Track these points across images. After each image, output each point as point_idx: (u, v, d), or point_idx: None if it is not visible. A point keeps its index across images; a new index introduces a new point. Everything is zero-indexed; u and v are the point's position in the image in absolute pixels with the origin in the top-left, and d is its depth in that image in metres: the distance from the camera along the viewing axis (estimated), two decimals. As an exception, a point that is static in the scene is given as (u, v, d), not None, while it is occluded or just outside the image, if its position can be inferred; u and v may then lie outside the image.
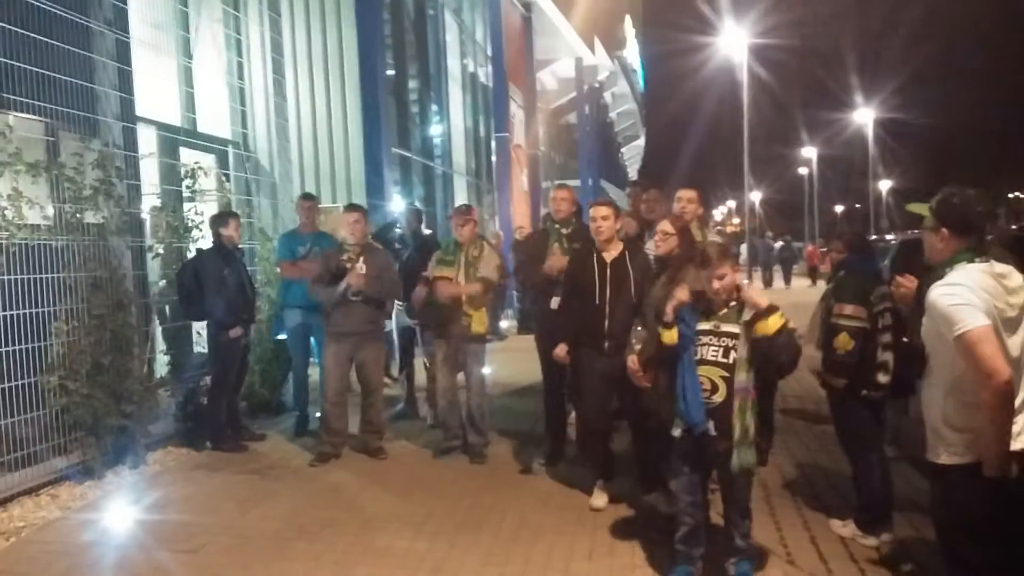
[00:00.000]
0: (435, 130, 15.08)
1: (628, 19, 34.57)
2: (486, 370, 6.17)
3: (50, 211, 5.44)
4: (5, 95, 5.14)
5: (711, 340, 3.66)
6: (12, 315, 5.12)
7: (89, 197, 5.66)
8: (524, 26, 21.11)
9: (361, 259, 6.02)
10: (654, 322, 4.00)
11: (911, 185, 50.71)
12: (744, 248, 27.00)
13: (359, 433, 6.31)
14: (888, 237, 15.86)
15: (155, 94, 7.10)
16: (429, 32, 14.78)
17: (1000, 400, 2.68)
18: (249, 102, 8.51)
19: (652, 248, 5.24)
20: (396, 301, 6.87)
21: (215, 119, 8.15)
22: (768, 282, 26.23)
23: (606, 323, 4.79)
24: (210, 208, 7.21)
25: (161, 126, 7.17)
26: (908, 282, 3.40)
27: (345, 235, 6.17)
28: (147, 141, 6.82)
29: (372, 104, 11.12)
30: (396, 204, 11.11)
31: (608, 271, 4.83)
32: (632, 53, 36.27)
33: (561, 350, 5.03)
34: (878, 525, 4.28)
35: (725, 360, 3.62)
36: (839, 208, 61.86)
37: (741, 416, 3.57)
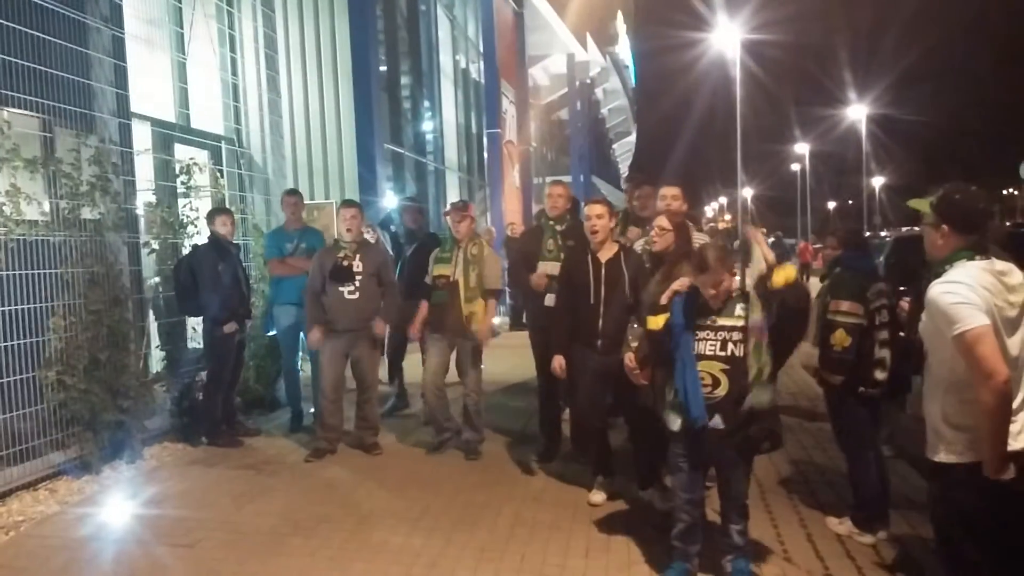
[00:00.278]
0: (427, 126, 15.09)
1: (620, 15, 34.61)
2: (481, 366, 6.19)
3: (47, 207, 5.46)
4: (3, 91, 5.15)
5: (708, 335, 3.66)
6: (10, 311, 5.14)
7: (86, 193, 5.67)
8: (516, 22, 21.11)
9: (357, 256, 6.04)
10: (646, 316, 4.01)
11: (904, 181, 50.96)
12: (737, 244, 27.01)
13: (354, 429, 6.33)
14: (882, 234, 15.91)
15: (149, 90, 7.10)
16: (421, 28, 14.78)
17: (998, 400, 2.68)
18: (243, 98, 8.53)
19: (640, 245, 5.29)
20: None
21: (209, 115, 8.15)
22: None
23: (600, 322, 4.82)
24: (204, 204, 7.23)
25: (155, 122, 7.17)
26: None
27: (341, 231, 6.18)
28: (142, 137, 6.82)
29: (365, 100, 11.14)
30: (389, 200, 11.12)
31: (603, 271, 4.85)
32: (624, 49, 36.31)
33: (558, 364, 5.01)
34: (875, 523, 4.30)
35: (724, 353, 3.61)
36: (832, 204, 62.09)
37: (757, 355, 3.57)
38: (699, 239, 4.89)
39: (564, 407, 5.99)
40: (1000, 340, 2.75)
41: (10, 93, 5.20)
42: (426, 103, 14.96)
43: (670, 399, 3.74)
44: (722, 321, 3.65)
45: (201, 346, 6.70)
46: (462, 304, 5.86)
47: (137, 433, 5.92)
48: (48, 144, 5.54)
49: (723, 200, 71.59)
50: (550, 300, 5.41)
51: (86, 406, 5.48)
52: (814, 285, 5.61)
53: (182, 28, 7.76)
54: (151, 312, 6.81)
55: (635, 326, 4.27)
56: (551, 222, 5.86)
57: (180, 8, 7.74)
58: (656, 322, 3.75)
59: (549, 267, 5.62)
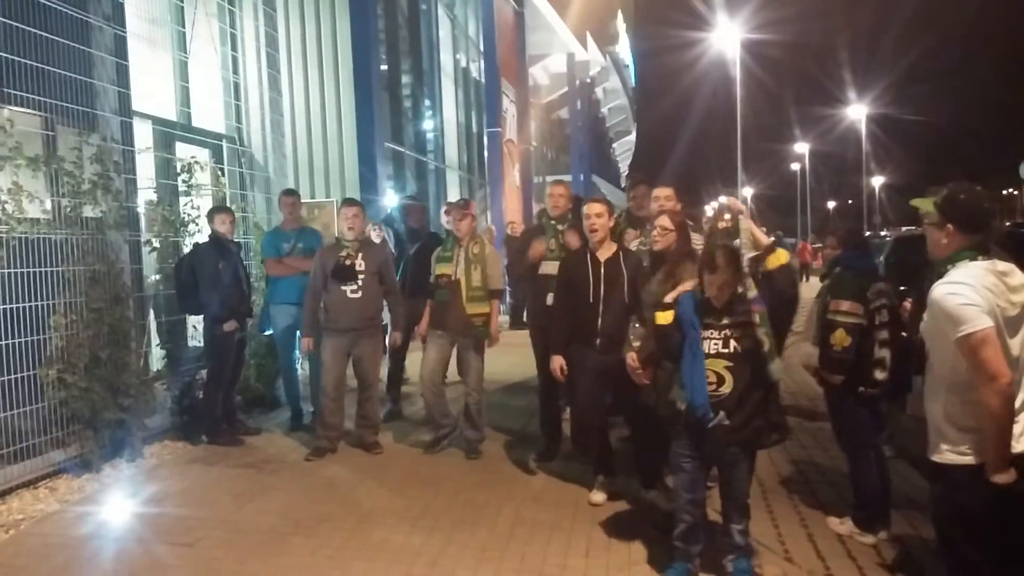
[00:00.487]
0: (428, 125, 15.10)
1: (620, 15, 34.60)
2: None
3: (49, 205, 5.46)
4: (5, 89, 5.15)
5: (712, 333, 3.65)
6: (11, 308, 5.15)
7: (87, 191, 5.68)
8: (516, 21, 21.11)
9: (360, 255, 6.05)
10: (651, 317, 4.01)
11: (904, 181, 50.93)
12: (738, 243, 27.01)
13: (355, 428, 6.33)
14: (883, 233, 15.90)
15: (151, 88, 7.11)
16: (422, 27, 14.79)
17: (1002, 402, 2.68)
18: (244, 97, 8.54)
19: (635, 245, 5.30)
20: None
21: (210, 113, 8.16)
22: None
23: (599, 321, 4.82)
24: (206, 202, 7.24)
25: (157, 120, 7.18)
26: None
27: (343, 230, 6.18)
28: (143, 135, 6.83)
29: (366, 99, 11.15)
30: (390, 198, 11.13)
31: (602, 270, 4.85)
32: (624, 48, 36.30)
33: (557, 365, 5.01)
34: (876, 523, 4.30)
35: (727, 350, 3.61)
36: (831, 204, 62.12)
37: (764, 323, 3.60)
38: (695, 240, 4.88)
39: (564, 406, 5.99)
40: (1002, 341, 2.74)
41: (13, 91, 5.21)
42: (427, 102, 14.97)
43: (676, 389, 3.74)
44: (726, 318, 3.65)
45: (202, 344, 6.70)
46: (464, 303, 5.87)
47: (137, 431, 5.93)
48: (50, 142, 5.55)
49: (723, 199, 71.58)
50: (551, 299, 5.41)
51: (87, 404, 5.48)
52: (814, 285, 5.60)
53: (184, 27, 7.78)
54: (151, 310, 6.82)
55: (636, 325, 4.27)
56: (552, 221, 5.86)
57: (182, 7, 7.75)
58: (665, 317, 3.75)
59: (550, 266, 5.63)
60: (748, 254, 3.79)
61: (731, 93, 26.96)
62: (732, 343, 3.62)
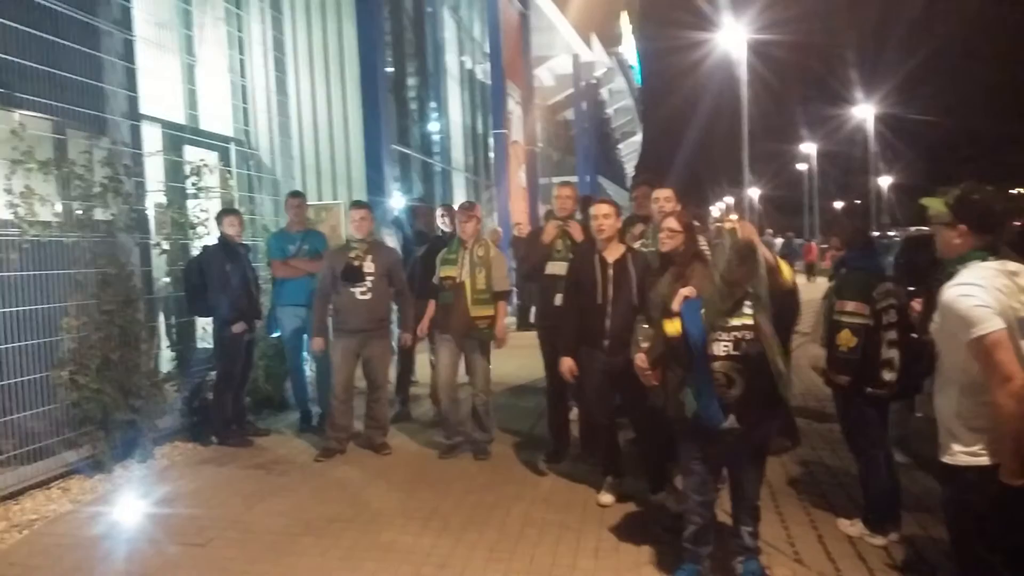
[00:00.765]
0: (434, 127, 15.12)
1: (624, 15, 34.57)
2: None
3: (60, 208, 5.50)
4: (17, 94, 5.19)
5: (720, 335, 3.61)
6: (24, 311, 5.19)
7: (98, 194, 5.72)
8: (521, 22, 21.11)
9: (369, 257, 6.07)
10: (659, 319, 4.01)
11: (912, 181, 50.63)
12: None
13: (364, 429, 6.36)
14: (891, 233, 15.82)
15: (159, 92, 7.15)
16: (428, 30, 14.82)
17: (1016, 404, 2.66)
18: (251, 100, 8.57)
19: (638, 244, 5.32)
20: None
21: (218, 117, 8.19)
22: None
23: (607, 322, 4.83)
24: (214, 205, 7.27)
25: (165, 124, 7.22)
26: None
27: (351, 232, 6.20)
28: (152, 139, 6.87)
29: (372, 101, 11.15)
30: (396, 200, 11.16)
31: (610, 271, 4.87)
32: (629, 49, 36.27)
33: (566, 367, 5.00)
34: (886, 524, 4.29)
35: (737, 353, 3.57)
36: (839, 204, 61.92)
37: (770, 352, 3.56)
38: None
39: (572, 406, 6.00)
40: (1014, 342, 2.73)
41: (24, 96, 5.25)
42: (432, 104, 15.00)
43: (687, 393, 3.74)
44: (734, 321, 3.60)
45: (211, 346, 6.73)
46: (468, 305, 5.89)
47: (148, 432, 5.97)
48: (61, 146, 5.58)
49: (729, 200, 71.48)
50: (559, 300, 5.43)
51: (98, 405, 5.52)
52: (821, 285, 5.60)
53: (191, 31, 7.82)
54: (161, 312, 6.86)
55: (644, 326, 4.27)
56: (559, 223, 5.88)
57: (189, 11, 7.79)
58: (674, 327, 3.72)
59: (557, 267, 5.64)
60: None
61: (737, 93, 26.93)
62: (744, 346, 3.57)
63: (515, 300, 13.90)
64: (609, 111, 37.24)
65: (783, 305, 3.70)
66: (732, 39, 28.23)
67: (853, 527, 4.42)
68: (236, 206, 7.59)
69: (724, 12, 28.10)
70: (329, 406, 6.30)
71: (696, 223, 5.28)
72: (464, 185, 16.61)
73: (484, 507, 4.99)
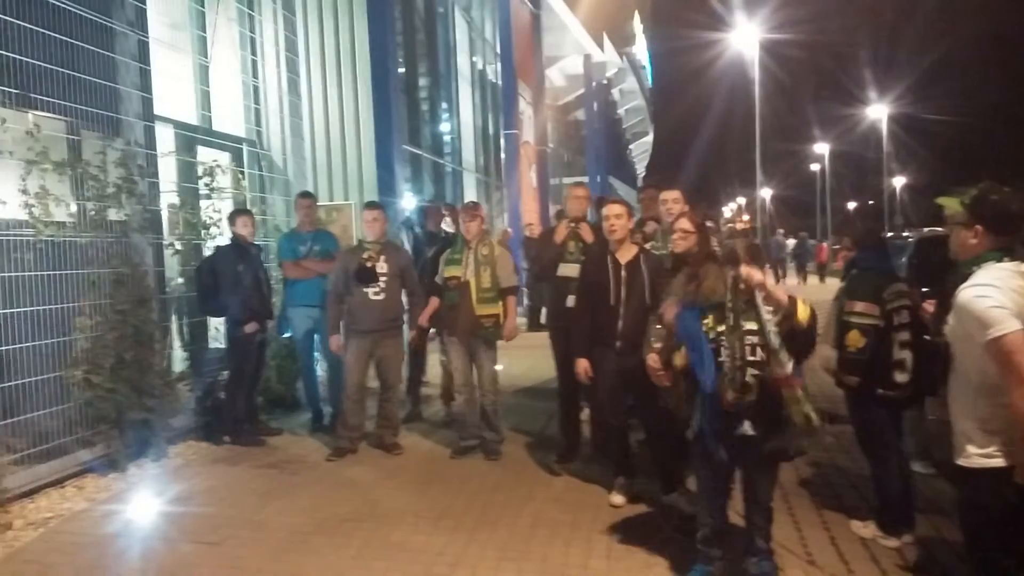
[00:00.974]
0: (445, 127, 15.15)
1: (636, 15, 34.54)
2: (497, 367, 6.22)
3: (74, 208, 5.54)
4: (32, 95, 5.23)
5: (734, 340, 3.51)
6: (39, 311, 5.22)
7: (112, 195, 5.76)
8: (533, 23, 21.12)
9: (382, 257, 6.09)
10: (672, 321, 3.98)
11: (926, 181, 50.19)
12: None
13: (375, 428, 6.38)
14: (904, 234, 15.72)
15: (172, 93, 7.20)
16: (439, 30, 14.85)
17: None
18: (263, 101, 8.62)
19: (648, 245, 5.33)
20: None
21: (230, 117, 8.24)
22: (778, 279, 26.30)
23: (619, 323, 4.83)
24: (227, 205, 7.31)
25: (179, 125, 7.26)
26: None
27: (365, 232, 6.23)
28: (165, 139, 6.91)
29: (383, 102, 11.18)
30: (407, 201, 11.19)
31: (622, 272, 4.86)
32: (641, 49, 36.24)
33: (582, 368, 5.00)
34: (899, 526, 4.26)
35: (754, 358, 3.49)
36: (852, 205, 61.62)
37: (797, 405, 3.49)
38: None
39: (584, 407, 6.00)
40: None
41: (39, 96, 5.29)
42: (444, 104, 15.02)
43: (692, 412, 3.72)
44: (747, 325, 3.52)
45: (223, 346, 6.77)
46: (474, 305, 5.90)
47: (162, 431, 6.00)
48: (75, 147, 5.62)
49: (741, 200, 71.22)
50: (571, 301, 5.43)
51: (112, 405, 5.55)
52: (831, 286, 5.57)
53: (205, 32, 7.86)
54: (174, 312, 6.89)
55: (657, 327, 4.27)
56: (572, 223, 5.88)
57: (203, 12, 7.83)
58: (682, 357, 3.72)
59: (570, 268, 5.65)
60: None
61: (749, 93, 26.89)
62: (759, 351, 3.50)
63: (526, 300, 13.91)
64: (620, 111, 37.22)
65: (796, 339, 3.60)
66: (744, 39, 28.19)
67: (866, 528, 4.39)
68: (248, 206, 7.62)
69: (737, 12, 28.07)
70: (341, 405, 6.32)
71: (709, 224, 5.30)
72: (475, 186, 16.63)
73: (495, 507, 5.00)
